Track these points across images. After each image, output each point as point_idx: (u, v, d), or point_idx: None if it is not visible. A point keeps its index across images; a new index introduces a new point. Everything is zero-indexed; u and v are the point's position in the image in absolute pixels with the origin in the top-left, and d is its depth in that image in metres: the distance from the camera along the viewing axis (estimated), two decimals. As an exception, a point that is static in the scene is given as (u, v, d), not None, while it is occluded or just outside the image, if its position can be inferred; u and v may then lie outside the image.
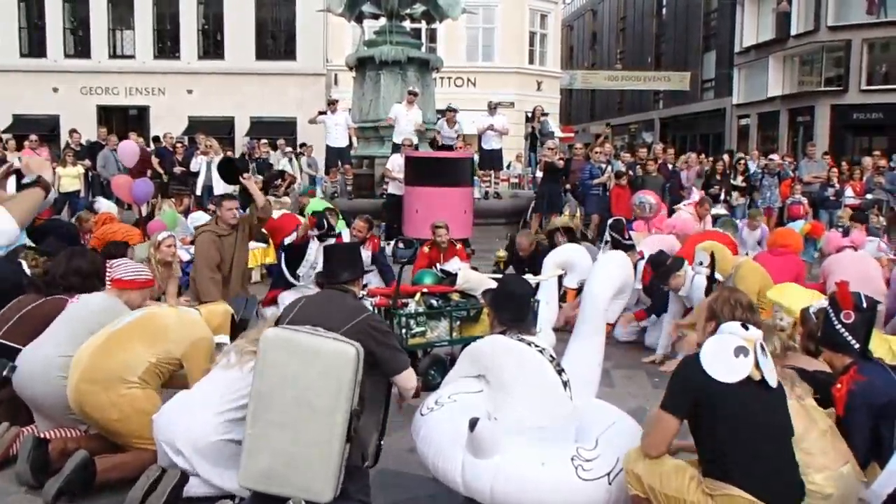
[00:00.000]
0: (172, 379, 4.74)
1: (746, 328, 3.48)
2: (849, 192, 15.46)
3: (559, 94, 37.24)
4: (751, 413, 3.31)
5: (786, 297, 6.12)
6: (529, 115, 21.10)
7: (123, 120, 30.99)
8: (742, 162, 15.74)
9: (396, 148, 14.80)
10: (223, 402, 4.14)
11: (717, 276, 7.02)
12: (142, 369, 4.52)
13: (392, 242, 12.42)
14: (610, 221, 9.65)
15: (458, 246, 9.54)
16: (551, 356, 4.32)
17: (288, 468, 3.54)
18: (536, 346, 4.26)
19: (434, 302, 6.66)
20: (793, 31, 34.72)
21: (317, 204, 9.67)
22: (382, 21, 17.99)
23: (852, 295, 3.94)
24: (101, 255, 6.21)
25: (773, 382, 3.38)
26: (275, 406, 3.56)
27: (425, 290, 6.78)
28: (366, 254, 9.86)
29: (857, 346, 3.86)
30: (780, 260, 8.42)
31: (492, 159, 16.83)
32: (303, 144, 22.83)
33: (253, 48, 31.94)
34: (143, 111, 31.87)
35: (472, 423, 3.72)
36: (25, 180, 4.90)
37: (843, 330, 3.86)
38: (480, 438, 3.72)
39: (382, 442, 4.12)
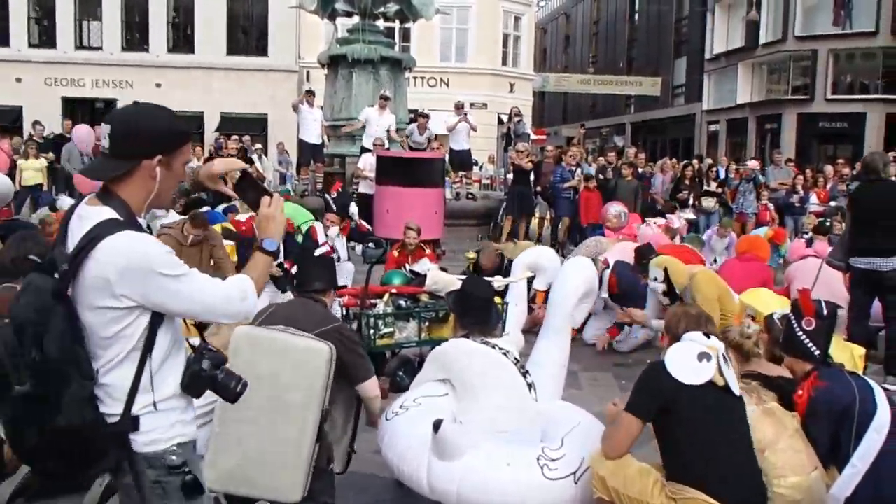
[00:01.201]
0: None
1: (708, 337, 3.58)
2: (813, 198, 15.64)
3: (532, 97, 37.34)
4: (714, 418, 3.38)
5: (758, 302, 6.18)
6: (505, 116, 21.13)
7: (90, 112, 30.60)
8: (714, 169, 15.85)
9: (365, 150, 14.73)
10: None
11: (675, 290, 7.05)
12: None
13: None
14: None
15: (428, 251, 9.52)
16: (516, 359, 4.32)
17: (256, 468, 3.51)
18: (501, 348, 4.27)
19: (402, 303, 6.65)
20: (761, 40, 35.10)
21: (294, 213, 9.58)
22: (356, 19, 17.91)
23: (813, 302, 3.98)
24: None
25: (736, 391, 3.46)
26: (246, 405, 3.45)
27: (394, 290, 6.77)
28: (340, 241, 9.84)
29: (817, 352, 3.89)
30: (748, 266, 8.50)
31: (461, 159, 16.80)
32: (279, 144, 22.71)
33: (224, 43, 31.71)
34: (110, 104, 31.43)
35: (437, 425, 3.73)
36: None
37: (804, 337, 3.90)
38: (445, 440, 3.72)
39: (355, 452, 4.10)
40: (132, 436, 2.35)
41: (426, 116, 16.70)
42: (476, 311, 4.42)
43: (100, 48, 31.60)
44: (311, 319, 3.92)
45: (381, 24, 18.58)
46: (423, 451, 3.87)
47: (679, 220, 11.94)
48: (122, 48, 31.68)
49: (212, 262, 7.67)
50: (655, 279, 7.04)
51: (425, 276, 7.05)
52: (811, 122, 33.19)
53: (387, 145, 14.82)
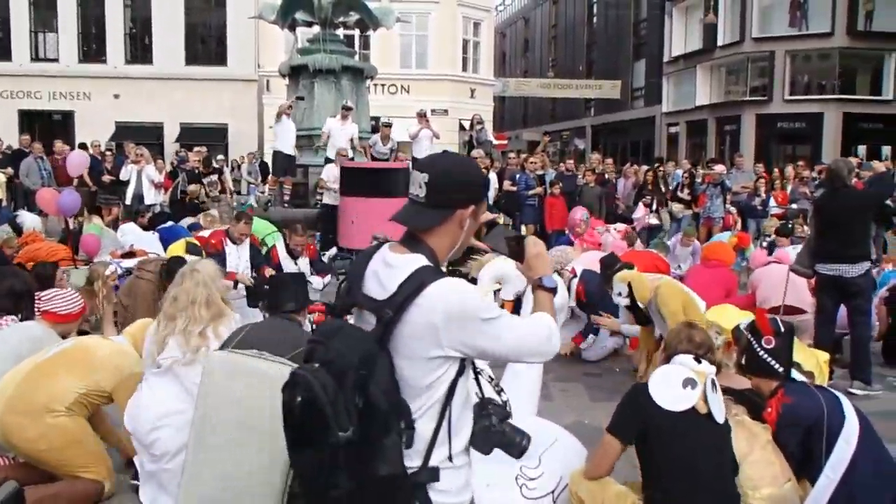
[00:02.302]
0: (102, 432, 4.65)
1: (699, 361, 3.59)
2: (771, 201, 15.81)
3: (492, 102, 37.47)
4: (692, 444, 3.38)
5: (723, 319, 6.23)
6: (468, 123, 21.13)
7: (47, 125, 30.20)
8: (686, 174, 15.89)
9: (329, 161, 14.65)
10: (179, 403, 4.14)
11: (639, 304, 7.09)
12: (70, 400, 4.37)
13: (329, 252, 12.34)
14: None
15: None
16: (490, 377, 4.30)
17: (231, 494, 3.49)
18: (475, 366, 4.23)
19: (373, 318, 6.61)
20: (719, 42, 35.53)
21: (257, 226, 9.56)
22: (316, 29, 17.83)
23: (770, 321, 4.07)
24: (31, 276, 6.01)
25: (719, 418, 3.44)
26: (219, 429, 3.52)
27: (364, 305, 6.72)
28: (304, 261, 9.80)
29: (780, 369, 3.97)
30: (713, 273, 8.57)
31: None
32: (250, 154, 22.54)
33: (182, 53, 31.40)
34: (68, 116, 31.10)
35: None
36: None
37: (765, 355, 3.97)
38: None
39: None
40: (430, 488, 2.29)
41: (389, 126, 16.66)
42: None
43: (56, 60, 31.17)
44: (286, 342, 3.89)
45: (340, 32, 18.51)
46: None
47: (646, 211, 11.98)
48: (79, 60, 31.28)
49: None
50: (619, 294, 7.07)
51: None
52: (770, 122, 33.63)
53: (351, 155, 14.77)
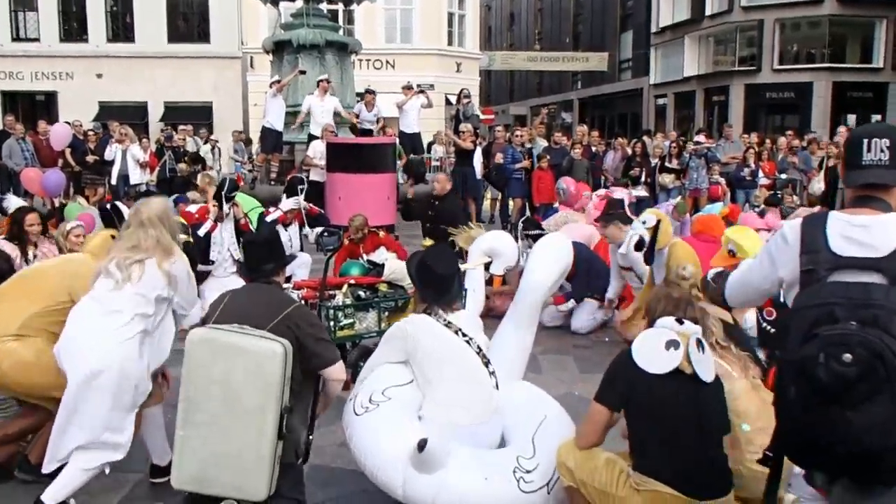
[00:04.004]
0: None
1: (681, 323, 3.52)
2: (759, 171, 15.77)
3: (479, 76, 37.27)
4: (676, 407, 3.34)
5: (745, 240, 6.27)
6: (453, 97, 21.03)
7: (30, 106, 29.95)
8: (675, 145, 15.80)
9: (313, 138, 14.53)
10: (128, 327, 4.08)
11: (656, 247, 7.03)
12: (18, 323, 4.33)
13: (315, 230, 12.23)
14: (521, 222, 9.67)
15: (382, 234, 9.47)
16: (479, 347, 4.23)
17: (220, 469, 3.49)
18: (464, 335, 4.17)
19: (361, 293, 6.56)
20: (707, 12, 35.37)
21: (242, 202, 9.46)
22: (299, 3, 17.65)
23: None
24: None
25: (706, 377, 3.39)
26: (203, 407, 3.48)
27: (352, 281, 6.68)
28: (293, 229, 9.71)
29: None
30: (705, 246, 8.47)
31: (412, 143, 16.66)
32: (235, 132, 22.31)
33: (164, 30, 31.12)
34: (51, 97, 30.84)
35: (422, 445, 3.63)
36: None
37: (769, 328, 4.01)
38: (430, 459, 3.66)
39: (312, 437, 3.98)
40: None
41: (373, 93, 16.54)
42: (437, 285, 4.28)
43: (37, 39, 30.83)
44: (266, 309, 3.82)
45: (324, 7, 18.34)
46: (397, 460, 3.78)
47: (624, 193, 11.93)
48: (60, 39, 30.95)
49: None
50: (644, 223, 6.98)
51: (383, 265, 6.96)
52: (758, 93, 33.57)
53: (334, 129, 14.64)
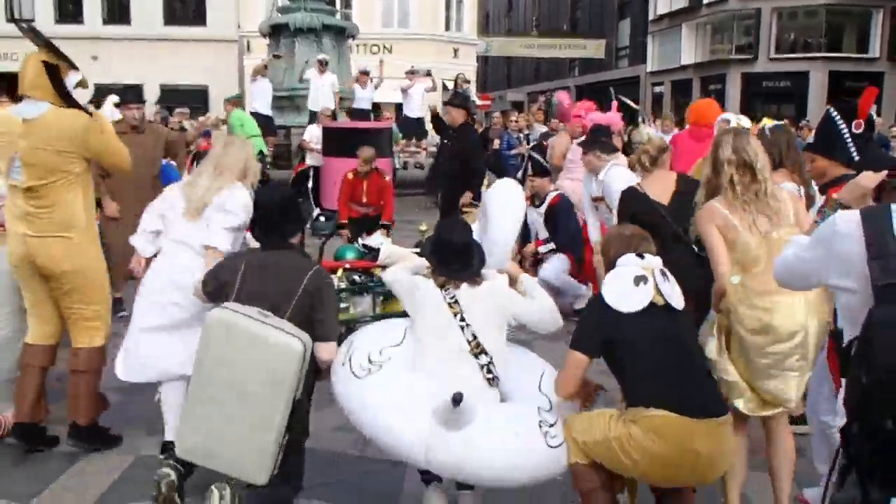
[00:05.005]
0: None
1: (642, 257, 3.51)
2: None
3: (476, 62, 37.15)
4: (659, 337, 3.36)
5: None
6: (450, 83, 20.96)
7: (25, 87, 29.75)
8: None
9: (313, 116, 14.50)
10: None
11: None
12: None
13: (313, 214, 12.21)
14: (531, 146, 9.60)
15: (387, 178, 9.77)
16: (473, 335, 3.84)
17: (221, 446, 3.52)
18: (462, 318, 3.84)
19: (357, 278, 6.54)
20: (705, 0, 35.28)
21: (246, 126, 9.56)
22: (297, -15, 17.60)
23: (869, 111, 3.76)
24: None
25: (677, 304, 3.43)
26: (212, 384, 3.51)
27: (347, 265, 6.65)
28: None
29: (857, 158, 3.70)
30: (702, 147, 7.27)
31: (415, 127, 16.63)
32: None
33: (161, 13, 30.98)
34: (46, 78, 30.65)
35: (458, 399, 3.38)
36: None
37: (850, 140, 3.68)
38: (464, 414, 3.43)
39: (309, 409, 3.93)
40: None
41: (366, 73, 16.51)
42: (457, 256, 3.93)
43: (32, 20, 30.59)
44: (289, 280, 3.74)
45: (322, -10, 18.28)
46: (414, 419, 3.52)
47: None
48: (56, 20, 30.75)
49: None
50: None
51: (378, 250, 6.93)
52: (755, 81, 33.55)
53: (332, 107, 14.61)
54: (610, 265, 3.60)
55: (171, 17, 31.20)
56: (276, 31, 16.99)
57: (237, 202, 4.34)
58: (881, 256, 2.23)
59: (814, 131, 4.21)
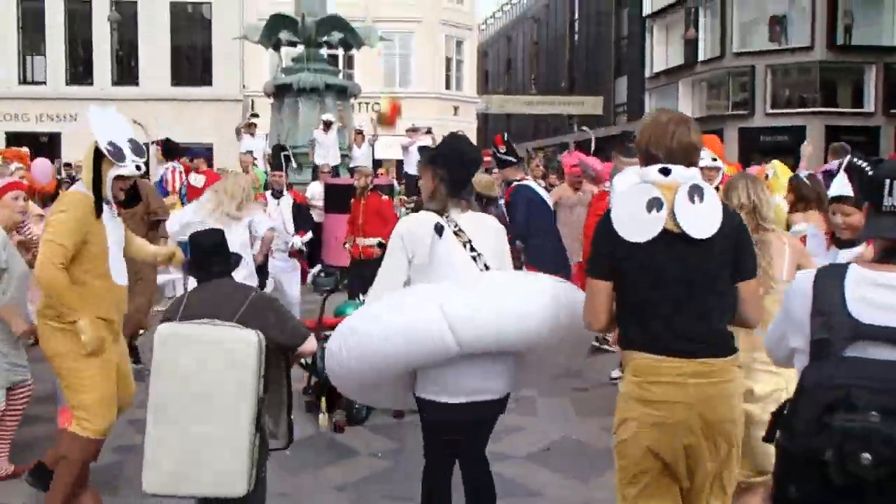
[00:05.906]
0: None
1: (667, 173, 2.99)
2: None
3: (476, 119, 37.61)
4: (660, 270, 2.94)
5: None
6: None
7: (34, 146, 30.15)
8: None
9: (316, 170, 14.81)
10: None
11: None
12: None
13: (313, 269, 12.34)
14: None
15: (384, 197, 9.88)
16: (485, 265, 3.67)
17: (196, 466, 3.47)
18: (472, 248, 3.66)
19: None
20: (700, 57, 35.75)
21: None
22: (300, 48, 17.98)
23: None
24: None
25: (697, 234, 2.91)
26: (177, 404, 3.48)
27: (348, 320, 6.74)
28: (286, 200, 9.96)
29: None
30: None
31: (417, 184, 16.82)
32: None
33: (168, 74, 31.53)
34: (55, 137, 31.12)
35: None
36: None
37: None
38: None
39: (293, 417, 3.96)
40: None
41: (360, 132, 16.86)
42: (465, 170, 3.80)
43: (44, 83, 31.24)
44: (229, 301, 3.76)
45: (324, 52, 18.66)
46: (436, 310, 3.29)
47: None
48: (67, 82, 31.40)
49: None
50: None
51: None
52: (752, 136, 33.81)
53: (332, 164, 14.92)
54: (643, 157, 3.10)
55: (178, 78, 31.80)
56: (279, 91, 17.29)
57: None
58: (822, 313, 2.16)
59: (840, 184, 4.12)
